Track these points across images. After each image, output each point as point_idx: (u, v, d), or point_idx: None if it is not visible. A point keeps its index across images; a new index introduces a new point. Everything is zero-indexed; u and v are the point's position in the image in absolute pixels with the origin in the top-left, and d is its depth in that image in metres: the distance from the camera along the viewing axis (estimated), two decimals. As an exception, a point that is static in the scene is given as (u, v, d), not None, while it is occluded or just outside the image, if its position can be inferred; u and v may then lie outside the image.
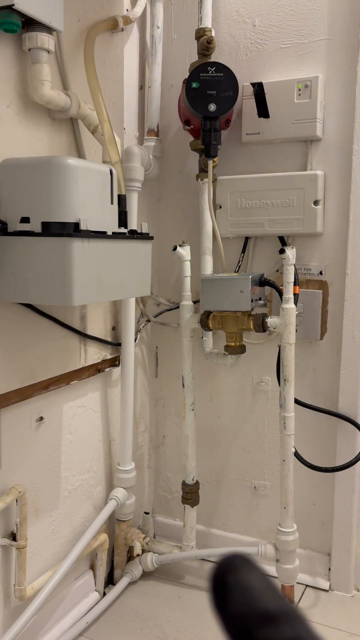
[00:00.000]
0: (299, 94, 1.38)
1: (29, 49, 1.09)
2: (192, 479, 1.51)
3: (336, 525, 1.52)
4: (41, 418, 1.26)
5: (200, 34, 1.41)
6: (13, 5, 0.98)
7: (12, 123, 1.11)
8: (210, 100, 1.32)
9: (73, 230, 0.98)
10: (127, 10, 1.46)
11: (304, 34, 1.41)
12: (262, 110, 1.42)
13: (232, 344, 1.36)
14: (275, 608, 0.26)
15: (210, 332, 1.51)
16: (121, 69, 1.47)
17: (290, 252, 1.28)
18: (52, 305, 1.23)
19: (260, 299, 1.35)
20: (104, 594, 1.51)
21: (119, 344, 1.49)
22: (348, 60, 1.37)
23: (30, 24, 1.07)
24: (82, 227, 0.99)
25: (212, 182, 1.41)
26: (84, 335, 1.37)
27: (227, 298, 1.28)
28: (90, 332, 1.39)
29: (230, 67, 1.33)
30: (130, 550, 1.55)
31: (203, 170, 1.45)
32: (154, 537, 1.75)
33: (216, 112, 1.32)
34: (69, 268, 0.98)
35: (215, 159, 1.40)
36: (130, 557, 1.59)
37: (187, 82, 1.33)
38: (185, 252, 1.42)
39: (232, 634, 0.26)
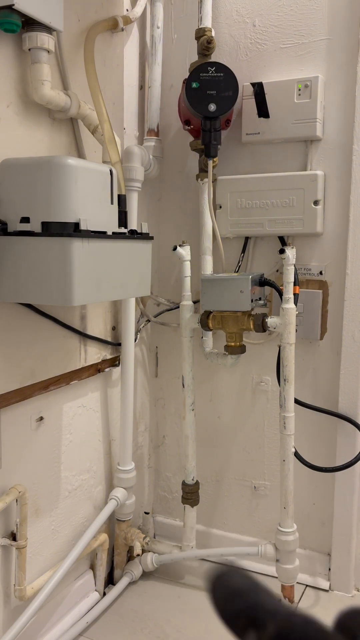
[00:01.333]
0: (299, 94, 1.38)
1: (29, 49, 1.09)
2: (192, 479, 1.51)
3: (336, 525, 1.52)
4: (41, 418, 1.26)
5: (200, 34, 1.41)
6: (13, 5, 0.98)
7: (12, 123, 1.11)
8: (210, 100, 1.32)
9: (73, 230, 0.98)
10: (127, 10, 1.46)
11: (304, 34, 1.41)
12: (262, 110, 1.42)
13: (232, 344, 1.36)
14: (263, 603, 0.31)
15: (210, 332, 1.51)
16: (121, 69, 1.47)
17: (290, 252, 1.28)
18: (52, 305, 1.23)
19: (260, 299, 1.35)
20: (104, 594, 1.51)
21: (119, 344, 1.49)
22: (348, 60, 1.37)
23: (30, 23, 1.07)
24: (82, 227, 0.99)
25: (212, 182, 1.41)
26: (84, 335, 1.37)
27: (227, 298, 1.28)
28: (90, 332, 1.39)
29: (230, 67, 1.33)
30: (130, 550, 1.55)
31: (203, 170, 1.45)
32: (154, 537, 1.75)
33: (216, 112, 1.32)
34: (69, 268, 0.98)
35: (215, 159, 1.39)
36: (130, 557, 1.59)
37: (187, 82, 1.33)
38: (185, 252, 1.42)
39: (235, 629, 0.30)
